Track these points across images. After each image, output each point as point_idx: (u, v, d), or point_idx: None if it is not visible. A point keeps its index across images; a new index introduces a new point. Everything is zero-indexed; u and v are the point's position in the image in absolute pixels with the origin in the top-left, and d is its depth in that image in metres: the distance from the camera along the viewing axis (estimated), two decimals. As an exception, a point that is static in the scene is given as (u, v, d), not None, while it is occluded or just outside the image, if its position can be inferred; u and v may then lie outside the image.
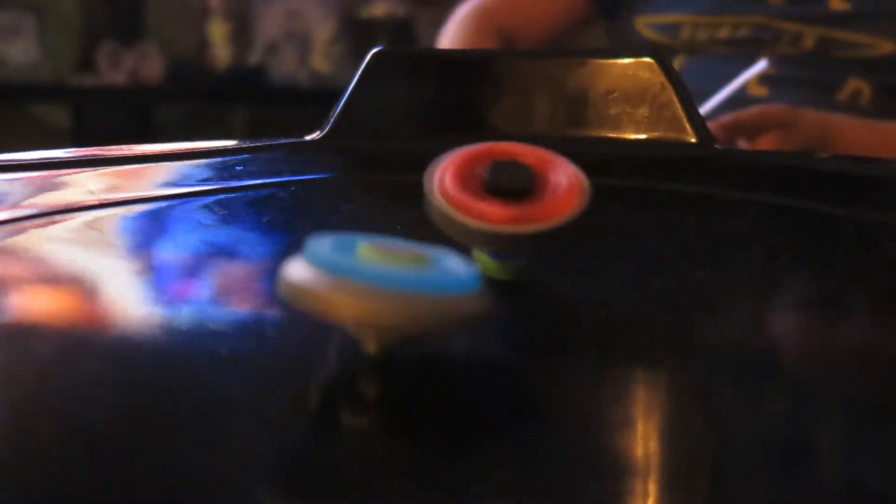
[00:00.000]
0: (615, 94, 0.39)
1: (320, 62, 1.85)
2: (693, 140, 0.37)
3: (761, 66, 0.70)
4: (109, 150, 0.39)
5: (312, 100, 1.65)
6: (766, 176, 0.37)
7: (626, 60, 0.39)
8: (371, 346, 0.18)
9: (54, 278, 0.25)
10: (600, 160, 0.39)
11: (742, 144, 0.65)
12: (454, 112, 0.43)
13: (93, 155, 0.37)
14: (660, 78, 0.38)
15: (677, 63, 0.80)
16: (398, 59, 0.44)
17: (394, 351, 0.18)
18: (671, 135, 0.38)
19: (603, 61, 0.40)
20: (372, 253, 0.18)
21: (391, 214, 0.35)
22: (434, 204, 0.22)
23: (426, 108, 0.44)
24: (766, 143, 0.64)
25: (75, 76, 1.89)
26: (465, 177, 0.23)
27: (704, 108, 0.69)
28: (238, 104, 1.97)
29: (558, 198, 0.22)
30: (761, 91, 0.78)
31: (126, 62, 1.85)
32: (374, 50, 0.44)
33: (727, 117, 0.64)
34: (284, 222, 0.34)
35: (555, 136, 0.40)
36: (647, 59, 0.39)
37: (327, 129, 0.44)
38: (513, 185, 0.22)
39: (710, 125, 0.63)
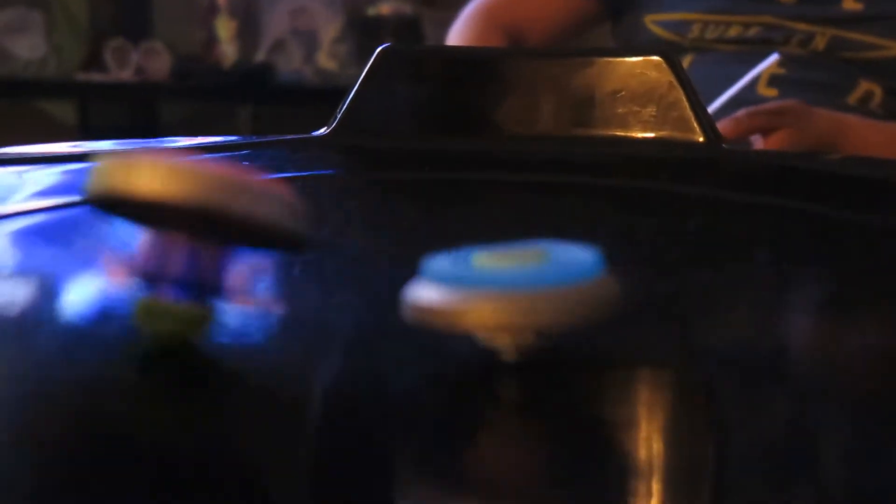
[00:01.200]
0: (623, 94, 0.39)
1: (326, 60, 1.85)
2: (701, 139, 0.37)
3: (773, 58, 0.70)
4: (116, 144, 0.39)
5: (318, 97, 1.65)
6: (773, 177, 0.37)
7: (634, 59, 0.39)
8: (508, 352, 0.17)
9: (71, 268, 0.25)
10: (607, 160, 0.38)
11: (756, 140, 0.65)
12: (460, 110, 0.43)
13: (99, 149, 0.37)
14: (668, 77, 0.38)
15: (686, 61, 0.80)
16: (405, 57, 0.44)
17: (531, 353, 0.18)
18: (679, 134, 0.37)
19: (611, 60, 0.40)
20: (489, 260, 0.17)
21: (396, 211, 0.34)
22: None
23: (432, 106, 0.44)
24: (778, 139, 0.63)
25: (82, 72, 1.89)
26: None
27: (716, 103, 0.68)
28: (244, 101, 1.97)
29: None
30: (771, 92, 0.77)
31: (133, 59, 1.85)
32: (381, 47, 0.44)
33: (742, 112, 0.64)
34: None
35: (562, 135, 0.40)
36: (656, 58, 0.39)
37: (334, 125, 0.44)
38: None
39: (725, 120, 0.63)
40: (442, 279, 0.17)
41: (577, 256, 0.18)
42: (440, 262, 0.18)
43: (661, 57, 0.39)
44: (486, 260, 0.18)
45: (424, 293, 0.17)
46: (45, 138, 0.44)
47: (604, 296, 0.17)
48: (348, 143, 0.43)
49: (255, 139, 0.44)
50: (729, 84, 0.71)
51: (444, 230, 0.31)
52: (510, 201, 0.36)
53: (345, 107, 0.44)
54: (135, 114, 1.99)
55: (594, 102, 0.40)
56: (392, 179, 0.40)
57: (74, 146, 0.38)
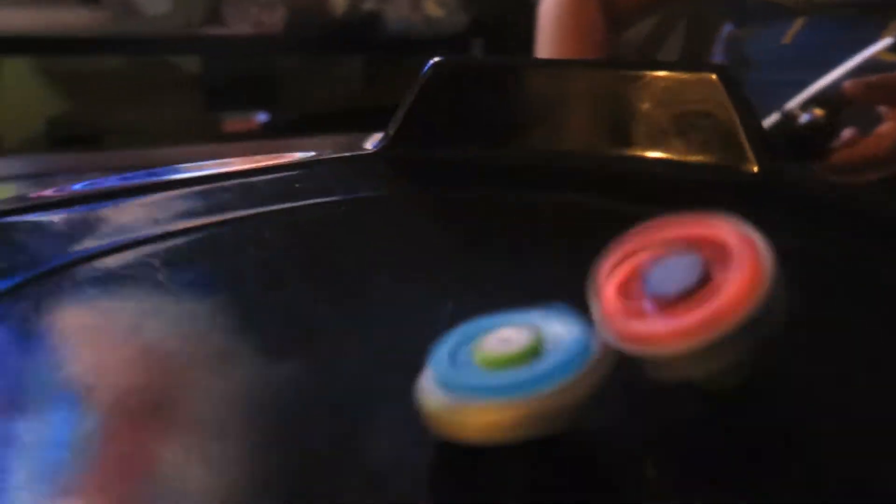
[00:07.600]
0: (676, 113, 0.37)
1: (434, 7, 1.83)
2: (755, 169, 0.35)
3: (883, 43, 0.63)
4: (170, 174, 0.40)
5: (426, 46, 1.63)
6: (833, 215, 0.34)
7: (687, 75, 0.37)
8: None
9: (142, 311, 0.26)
10: (647, 185, 0.37)
11: (883, 111, 0.60)
12: (513, 123, 0.42)
13: (141, 183, 0.38)
14: (721, 97, 0.36)
15: (796, 26, 0.74)
16: (457, 70, 0.43)
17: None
18: (729, 162, 0.35)
19: (663, 75, 0.38)
20: (487, 359, 0.19)
21: (453, 232, 0.34)
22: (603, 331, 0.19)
23: (486, 118, 0.43)
24: None
25: (205, 27, 1.95)
26: (627, 286, 0.20)
27: (825, 80, 0.63)
28: (354, 52, 1.99)
29: (726, 296, 0.18)
30: (893, 57, 0.71)
31: (251, 12, 1.90)
32: (433, 60, 0.43)
33: (875, 78, 0.58)
34: (346, 242, 0.34)
35: (609, 154, 0.39)
36: (709, 75, 0.36)
37: (388, 139, 0.44)
38: (674, 288, 0.19)
39: (851, 83, 0.57)
40: (443, 384, 0.19)
41: (567, 342, 0.19)
42: (441, 361, 0.19)
43: (715, 74, 0.36)
44: (483, 359, 0.19)
45: (426, 390, 0.19)
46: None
47: (589, 388, 0.18)
48: (402, 157, 0.43)
49: (308, 157, 0.44)
50: (835, 52, 0.65)
51: (499, 252, 0.31)
52: (556, 220, 0.35)
53: (399, 119, 0.44)
54: (251, 66, 2.05)
55: (643, 119, 0.38)
56: (448, 197, 0.40)
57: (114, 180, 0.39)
